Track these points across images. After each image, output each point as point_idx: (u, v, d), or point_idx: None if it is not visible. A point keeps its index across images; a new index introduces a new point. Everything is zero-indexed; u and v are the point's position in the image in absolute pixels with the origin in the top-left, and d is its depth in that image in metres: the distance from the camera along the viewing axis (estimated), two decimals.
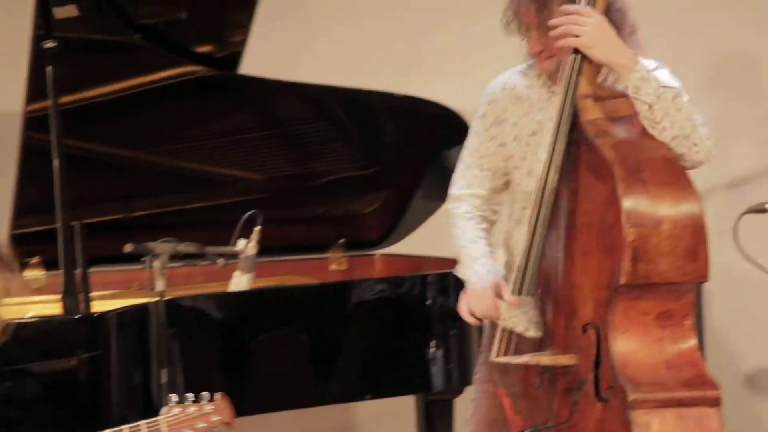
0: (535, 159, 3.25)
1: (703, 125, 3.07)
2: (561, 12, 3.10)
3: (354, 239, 4.52)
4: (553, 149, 3.07)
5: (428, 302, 4.04)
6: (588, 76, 3.09)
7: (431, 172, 4.42)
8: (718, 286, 4.70)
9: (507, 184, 3.36)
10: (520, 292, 3.10)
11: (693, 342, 2.92)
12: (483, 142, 3.34)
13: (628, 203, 2.87)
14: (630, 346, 2.90)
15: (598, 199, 2.95)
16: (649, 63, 3.10)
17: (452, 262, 4.24)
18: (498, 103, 3.31)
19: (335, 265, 4.50)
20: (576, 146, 3.05)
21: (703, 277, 2.93)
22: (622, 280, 2.86)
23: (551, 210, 3.06)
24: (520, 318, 3.21)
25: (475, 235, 3.32)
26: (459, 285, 4.07)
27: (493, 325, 3.29)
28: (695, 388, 2.87)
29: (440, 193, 4.34)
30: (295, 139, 4.26)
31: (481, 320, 3.26)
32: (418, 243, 4.64)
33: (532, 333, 3.17)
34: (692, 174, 4.75)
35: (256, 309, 3.80)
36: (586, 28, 3.07)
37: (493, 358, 3.18)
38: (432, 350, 4.00)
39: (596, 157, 2.96)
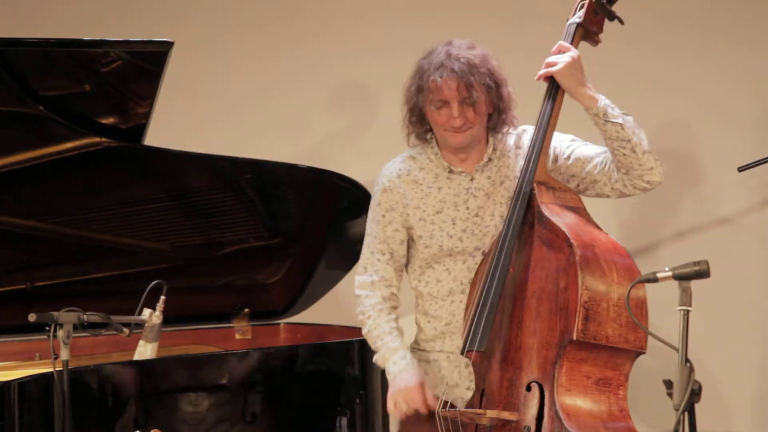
0: (444, 235, 3.40)
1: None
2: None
3: (258, 309, 4.53)
4: (509, 227, 3.29)
5: (333, 370, 4.06)
6: (543, 164, 3.36)
7: (334, 242, 4.47)
8: None
9: (402, 268, 3.54)
10: (470, 350, 3.25)
11: (626, 410, 3.21)
12: (381, 228, 3.49)
13: (583, 269, 3.15)
14: (573, 401, 3.15)
15: (552, 267, 3.21)
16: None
17: (356, 331, 4.29)
18: (394, 191, 3.47)
19: (240, 334, 4.51)
20: (529, 226, 3.30)
21: (641, 348, 3.21)
22: (574, 337, 3.11)
23: (503, 282, 3.27)
24: (458, 391, 3.41)
25: (390, 327, 3.50)
26: (363, 353, 4.14)
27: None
28: None
29: (343, 263, 4.41)
30: (199, 210, 4.27)
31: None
32: (321, 312, 4.68)
33: (451, 397, 3.38)
34: None
35: (160, 378, 3.79)
36: (564, 58, 3.36)
37: (438, 409, 3.33)
38: (337, 419, 4.02)
39: (551, 232, 3.24)
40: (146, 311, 3.70)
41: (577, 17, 3.46)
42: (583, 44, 3.51)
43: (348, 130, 5.00)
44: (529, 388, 3.18)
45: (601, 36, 3.49)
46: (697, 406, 3.07)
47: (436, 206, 3.47)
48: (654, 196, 4.83)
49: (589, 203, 4.82)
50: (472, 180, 3.46)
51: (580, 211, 3.37)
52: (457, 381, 3.44)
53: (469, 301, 3.37)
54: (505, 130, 3.46)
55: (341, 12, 5.06)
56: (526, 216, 3.30)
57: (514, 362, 3.23)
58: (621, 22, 3.50)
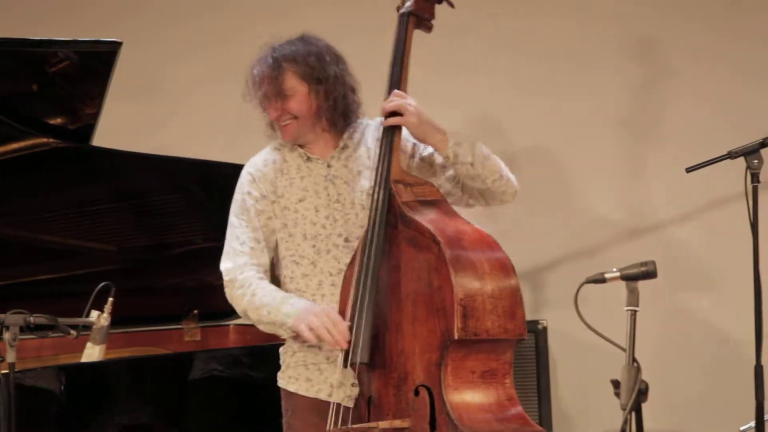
0: (308, 223, 3.38)
1: (500, 161, 3.41)
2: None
3: (208, 310, 4.52)
4: (374, 232, 3.23)
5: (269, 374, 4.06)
6: (397, 162, 3.33)
7: None
8: (562, 354, 4.86)
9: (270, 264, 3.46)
10: (353, 362, 3.20)
11: (513, 396, 3.16)
12: (254, 215, 3.44)
13: (454, 266, 3.08)
14: (462, 399, 3.09)
15: (422, 267, 3.15)
16: None
17: None
18: (263, 179, 3.45)
19: (188, 335, 4.49)
20: (392, 227, 3.24)
21: (521, 335, 3.16)
22: (456, 336, 3.05)
23: (376, 289, 3.21)
24: (343, 390, 3.31)
25: (274, 287, 3.40)
26: None
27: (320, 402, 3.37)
28: None
29: None
30: (148, 211, 4.25)
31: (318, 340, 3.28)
32: None
33: (351, 404, 3.29)
34: (540, 245, 4.92)
35: (108, 380, 3.77)
36: (410, 108, 3.34)
37: (330, 428, 3.26)
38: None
39: (416, 231, 3.18)
40: (94, 313, 3.67)
41: (408, 6, 3.42)
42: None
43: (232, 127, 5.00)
44: (417, 393, 3.12)
45: (433, 21, 3.45)
46: (643, 405, 3.09)
47: (298, 194, 3.43)
48: (602, 196, 4.90)
49: (533, 203, 4.88)
50: (329, 167, 3.43)
51: (441, 203, 3.31)
52: (342, 380, 3.33)
53: (341, 308, 3.28)
54: (345, 121, 3.42)
55: (274, 5, 5.06)
56: (388, 218, 3.24)
57: (398, 368, 3.17)
58: (451, 5, 3.46)
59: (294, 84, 3.35)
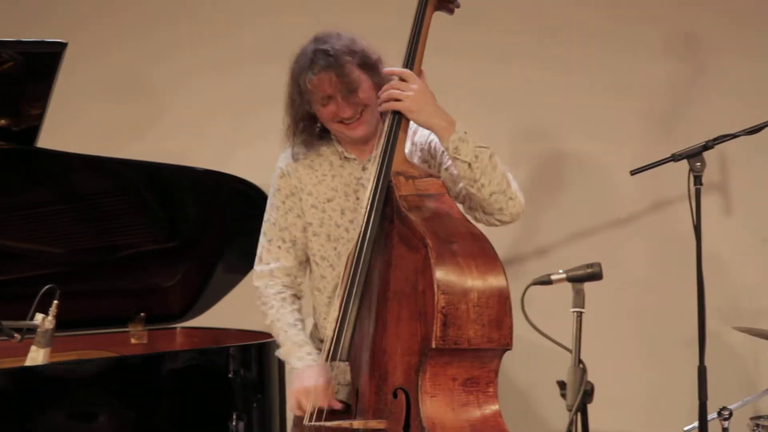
0: (333, 225, 3.36)
1: (514, 181, 3.29)
2: (384, 75, 3.27)
3: (154, 313, 4.49)
4: (369, 223, 3.19)
5: (230, 374, 4.05)
6: (401, 153, 3.25)
7: (232, 246, 4.45)
8: (508, 355, 4.87)
9: (305, 259, 3.45)
10: (334, 358, 3.18)
11: (496, 408, 3.09)
12: (282, 214, 3.42)
13: (439, 271, 3.00)
14: (438, 409, 3.02)
15: (410, 268, 3.08)
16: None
17: (253, 335, 4.29)
18: (291, 175, 3.43)
19: (135, 338, 4.47)
20: (389, 221, 3.18)
21: (507, 345, 3.08)
22: (433, 345, 2.98)
23: (365, 281, 3.17)
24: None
25: (294, 319, 3.41)
26: (261, 356, 4.12)
27: None
28: None
29: (241, 267, 4.40)
30: (94, 213, 4.22)
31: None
32: (218, 316, 4.66)
33: (342, 396, 3.24)
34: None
35: (52, 384, 3.74)
36: (409, 93, 3.24)
37: (306, 422, 3.24)
38: (234, 422, 4.00)
39: (409, 229, 3.10)
40: (38, 316, 3.64)
41: None
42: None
43: (242, 132, 4.99)
44: (395, 395, 3.06)
45: (458, 1, 3.37)
46: (589, 406, 3.12)
47: (327, 194, 3.40)
48: (550, 197, 4.93)
49: None
50: (363, 170, 3.39)
51: (442, 197, 3.22)
52: (337, 376, 3.27)
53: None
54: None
55: (236, 13, 5.05)
56: (385, 211, 3.18)
57: (380, 367, 3.12)
58: None
59: (358, 74, 3.27)
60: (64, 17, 5.09)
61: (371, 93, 3.31)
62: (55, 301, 3.65)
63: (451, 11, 3.38)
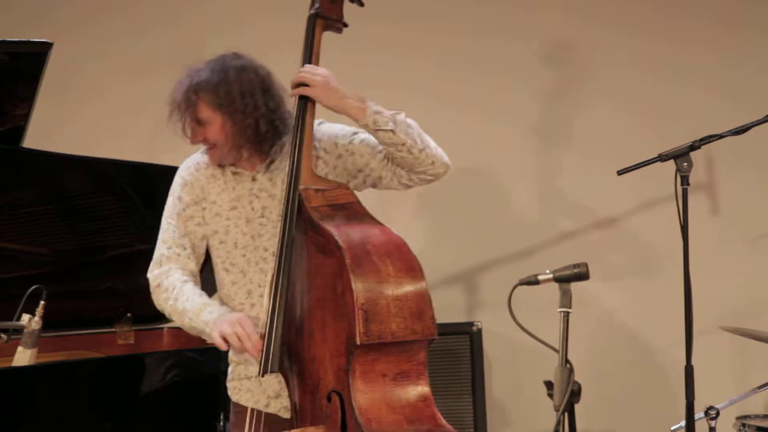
0: (239, 232, 3.37)
1: (435, 145, 3.32)
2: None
3: (141, 313, 4.48)
4: (284, 237, 3.21)
5: (217, 374, 4.04)
6: (307, 168, 3.28)
7: None
8: (496, 355, 4.88)
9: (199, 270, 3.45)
10: (265, 372, 3.17)
11: (428, 397, 3.10)
12: (183, 221, 3.42)
13: (355, 270, 3.05)
14: (372, 405, 3.05)
15: (328, 273, 3.12)
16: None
17: None
18: (195, 184, 3.43)
19: (122, 338, 4.46)
20: (303, 232, 3.21)
21: (431, 335, 3.11)
22: (358, 341, 3.01)
23: (287, 294, 3.19)
24: (280, 401, 3.31)
25: (198, 292, 3.37)
26: None
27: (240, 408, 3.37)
28: None
29: None
30: (80, 213, 4.21)
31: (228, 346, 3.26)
32: None
33: (272, 409, 3.29)
34: (474, 248, 4.95)
35: (39, 384, 3.73)
36: (317, 77, 3.28)
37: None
38: (221, 423, 4.00)
39: (323, 236, 3.14)
40: (25, 316, 3.63)
41: (315, 8, 3.37)
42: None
43: None
44: (329, 399, 3.10)
45: (343, 21, 3.39)
46: (576, 406, 3.12)
47: (231, 203, 3.41)
48: (536, 199, 4.93)
49: (467, 206, 4.91)
50: (254, 180, 3.40)
51: (353, 206, 3.27)
52: (279, 391, 3.35)
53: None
54: (270, 141, 3.36)
55: (223, 17, 5.06)
56: (298, 224, 3.22)
57: (312, 375, 3.16)
58: (361, 3, 3.42)
59: (208, 114, 3.30)
60: (64, 17, 5.08)
61: (221, 135, 3.33)
62: (42, 302, 3.64)
63: (339, 30, 3.41)
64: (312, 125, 3.32)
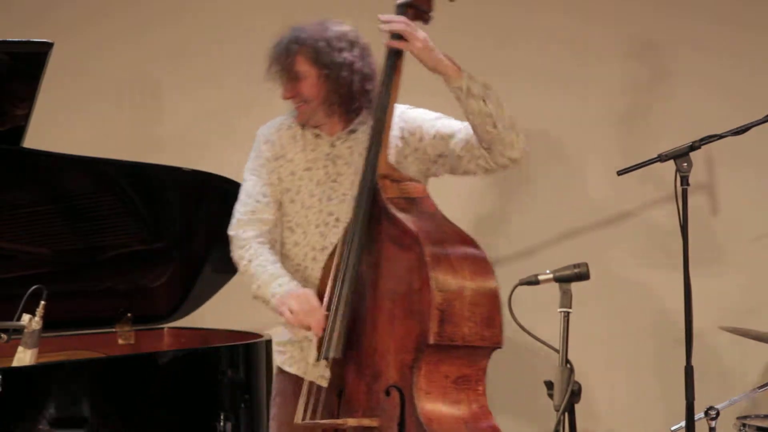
0: (307, 193, 3.42)
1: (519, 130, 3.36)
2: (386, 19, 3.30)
3: (142, 313, 4.49)
4: (357, 224, 3.22)
5: (217, 375, 4.04)
6: (384, 157, 3.28)
7: (219, 246, 4.42)
8: (496, 355, 4.87)
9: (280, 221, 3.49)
10: (326, 357, 3.19)
11: (485, 405, 3.15)
12: (263, 174, 3.49)
13: (435, 270, 3.05)
14: (434, 406, 3.07)
15: (402, 267, 3.13)
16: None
17: (241, 335, 4.28)
18: (275, 142, 3.50)
19: (122, 339, 4.46)
20: (377, 222, 3.22)
21: (497, 343, 3.14)
22: (431, 341, 3.03)
23: (353, 281, 3.19)
24: (318, 370, 3.29)
25: (273, 258, 3.43)
26: (249, 357, 4.12)
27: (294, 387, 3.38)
28: None
29: (229, 267, 4.37)
30: (80, 213, 4.21)
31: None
32: (206, 316, 4.65)
33: (325, 384, 3.28)
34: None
35: (39, 385, 3.73)
36: (417, 33, 3.29)
37: (298, 420, 3.25)
38: (221, 423, 4.00)
39: (399, 229, 3.15)
40: (25, 316, 3.63)
41: None
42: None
43: (221, 131, 4.99)
44: (388, 393, 3.09)
45: (431, 14, 3.40)
46: (576, 406, 3.12)
47: (306, 163, 3.47)
48: (537, 198, 4.93)
49: (467, 206, 4.91)
50: (332, 146, 3.46)
51: (426, 201, 3.29)
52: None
53: (319, 294, 3.28)
54: (358, 106, 3.42)
55: (223, 17, 5.06)
56: (372, 212, 3.22)
57: (371, 366, 3.15)
58: None
59: (304, 67, 3.38)
60: (64, 17, 5.08)
61: (314, 90, 3.39)
62: (42, 302, 3.64)
63: (426, 21, 3.40)
64: (396, 94, 3.32)
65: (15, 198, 4.10)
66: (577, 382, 3.08)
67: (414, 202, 3.25)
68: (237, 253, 3.49)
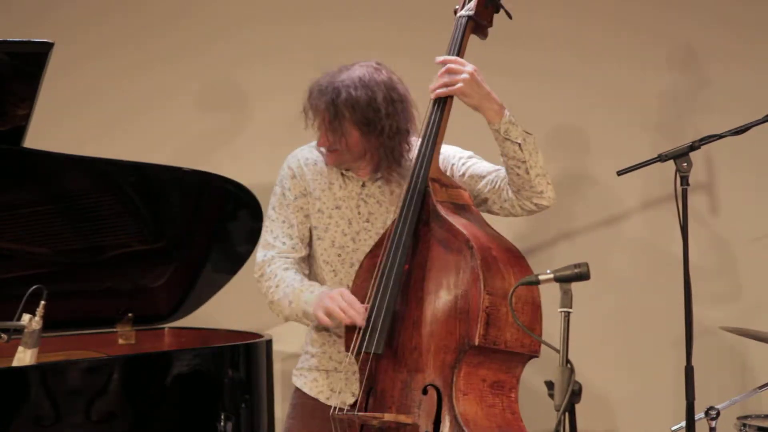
0: (339, 232, 3.39)
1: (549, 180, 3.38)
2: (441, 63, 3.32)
3: (142, 313, 4.49)
4: (405, 224, 3.24)
5: (219, 375, 4.04)
6: (436, 161, 3.32)
7: (220, 246, 4.44)
8: None
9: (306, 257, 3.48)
10: (367, 351, 3.19)
11: (517, 411, 3.22)
12: (291, 212, 3.44)
13: (484, 273, 3.12)
14: (471, 408, 3.12)
15: (450, 268, 3.17)
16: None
17: (241, 335, 4.28)
18: (303, 177, 3.46)
19: (123, 339, 4.46)
20: (424, 223, 3.25)
21: (535, 352, 3.21)
22: (476, 342, 3.09)
23: (399, 278, 3.21)
24: (341, 397, 3.35)
25: (299, 277, 3.41)
26: (249, 357, 4.12)
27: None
28: None
29: (229, 267, 4.40)
30: (81, 213, 4.21)
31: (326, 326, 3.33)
32: (207, 316, 4.65)
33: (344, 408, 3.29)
34: None
35: (39, 384, 3.73)
36: (463, 75, 3.30)
37: (334, 411, 3.25)
38: (222, 423, 4.00)
39: (449, 232, 3.19)
40: (26, 316, 3.63)
41: (468, 9, 3.40)
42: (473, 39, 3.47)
43: (220, 132, 4.98)
44: (425, 392, 3.14)
45: (489, 30, 3.45)
46: (577, 406, 3.12)
47: (335, 202, 3.45)
48: None
49: None
50: (363, 186, 3.46)
51: (472, 209, 3.35)
52: (342, 387, 3.40)
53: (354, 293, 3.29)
54: (393, 164, 3.41)
55: (223, 19, 5.05)
56: (420, 213, 3.26)
57: (409, 364, 3.18)
58: (509, 15, 3.47)
59: (349, 128, 3.34)
60: (64, 18, 5.08)
61: (355, 148, 3.37)
62: (42, 302, 3.64)
63: (485, 35, 3.45)
64: (447, 120, 3.33)
65: (15, 198, 4.10)
66: (577, 382, 3.08)
67: (462, 208, 3.31)
68: (264, 287, 3.45)
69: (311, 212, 3.46)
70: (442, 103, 3.35)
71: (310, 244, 3.49)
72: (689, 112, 4.78)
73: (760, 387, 4.09)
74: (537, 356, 3.21)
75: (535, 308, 3.20)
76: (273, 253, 3.44)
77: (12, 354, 3.70)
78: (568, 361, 3.09)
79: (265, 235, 3.49)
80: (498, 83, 4.70)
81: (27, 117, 3.82)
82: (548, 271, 3.19)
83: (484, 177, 3.44)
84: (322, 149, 3.42)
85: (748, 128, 3.99)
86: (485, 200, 3.44)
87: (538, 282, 3.21)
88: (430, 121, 3.34)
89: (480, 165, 3.47)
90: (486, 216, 3.46)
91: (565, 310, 3.14)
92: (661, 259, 4.75)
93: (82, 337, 4.41)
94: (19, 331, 3.63)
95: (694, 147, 3.91)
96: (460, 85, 3.29)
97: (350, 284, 3.39)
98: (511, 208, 3.42)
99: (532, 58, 4.89)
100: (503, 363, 3.17)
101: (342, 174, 3.46)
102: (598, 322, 4.78)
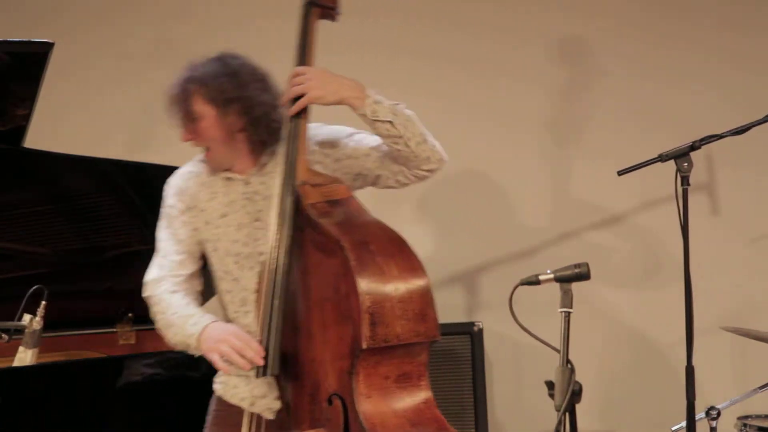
0: (229, 240, 3.33)
1: (433, 140, 3.26)
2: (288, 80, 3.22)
3: (142, 313, 4.47)
4: (281, 235, 3.15)
5: (208, 376, 4.04)
6: (303, 162, 3.21)
7: None
8: (497, 355, 4.89)
9: (201, 272, 3.41)
10: (264, 374, 3.13)
11: (430, 398, 3.07)
12: (179, 227, 3.37)
13: (360, 273, 2.98)
14: (376, 409, 3.00)
15: (329, 273, 3.06)
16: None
17: None
18: (186, 192, 3.38)
19: (123, 339, 4.46)
20: (300, 230, 3.15)
21: (433, 337, 3.06)
22: (364, 345, 2.96)
23: (285, 293, 3.13)
24: (265, 402, 3.26)
25: (184, 302, 3.31)
26: None
27: (227, 408, 3.34)
28: None
29: None
30: (81, 213, 4.22)
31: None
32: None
33: (257, 409, 3.25)
34: (475, 248, 4.95)
35: (40, 385, 3.74)
36: (307, 82, 3.21)
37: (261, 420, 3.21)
38: None
39: (322, 235, 3.08)
40: (26, 316, 3.64)
41: None
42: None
43: None
44: (330, 402, 3.04)
45: (339, 9, 3.31)
46: (577, 406, 3.12)
47: (221, 210, 3.35)
48: (536, 199, 4.94)
49: (468, 205, 4.91)
50: (247, 184, 3.34)
51: (350, 201, 3.20)
52: (266, 392, 3.29)
53: (256, 315, 3.23)
54: (267, 140, 3.30)
55: (223, 19, 5.06)
56: (296, 221, 3.15)
57: (311, 376, 3.10)
58: None
59: (201, 108, 3.25)
60: (66, 18, 5.09)
61: (214, 131, 3.28)
62: (43, 302, 3.64)
63: (333, 18, 3.34)
64: (306, 124, 3.25)
65: (15, 198, 4.10)
66: (577, 382, 3.08)
67: (337, 204, 3.18)
68: (152, 311, 3.36)
69: (199, 226, 3.36)
70: (297, 115, 3.25)
71: (204, 257, 3.40)
72: (690, 111, 4.78)
73: (761, 387, 4.09)
74: (438, 340, 3.07)
75: (423, 293, 3.04)
76: (163, 273, 3.35)
77: (13, 354, 3.71)
78: (568, 361, 3.10)
79: (155, 256, 3.41)
80: (498, 83, 4.73)
81: (27, 117, 3.83)
82: (548, 271, 3.19)
83: (371, 154, 3.31)
84: (204, 159, 3.34)
85: (748, 128, 3.99)
86: (378, 177, 3.33)
87: (538, 282, 3.21)
88: (290, 132, 3.23)
89: (363, 140, 3.33)
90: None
91: (565, 310, 3.14)
92: (662, 258, 4.75)
93: (82, 337, 4.41)
94: (20, 331, 3.63)
95: (694, 147, 3.91)
96: (308, 95, 3.20)
97: (254, 294, 3.28)
98: (405, 179, 3.31)
99: (531, 57, 4.89)
100: (404, 356, 3.04)
101: (227, 179, 3.35)
102: (598, 322, 4.79)
